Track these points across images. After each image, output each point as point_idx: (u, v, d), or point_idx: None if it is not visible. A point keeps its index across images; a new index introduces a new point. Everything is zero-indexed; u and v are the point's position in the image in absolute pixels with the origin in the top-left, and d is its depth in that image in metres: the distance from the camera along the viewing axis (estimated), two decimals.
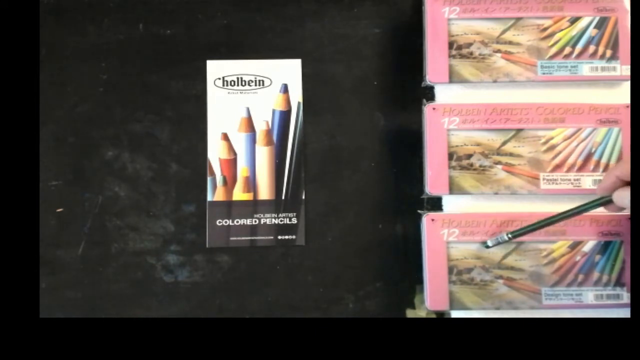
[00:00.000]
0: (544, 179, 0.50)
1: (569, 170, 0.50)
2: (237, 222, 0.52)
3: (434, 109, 0.50)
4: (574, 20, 0.52)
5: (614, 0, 0.51)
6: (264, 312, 0.51)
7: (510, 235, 0.47)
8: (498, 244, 0.48)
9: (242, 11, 0.54)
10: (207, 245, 0.52)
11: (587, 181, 0.50)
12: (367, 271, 0.51)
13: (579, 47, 0.51)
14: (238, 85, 0.53)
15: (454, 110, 0.50)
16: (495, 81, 0.51)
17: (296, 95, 0.54)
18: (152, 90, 0.53)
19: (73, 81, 0.53)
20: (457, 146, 0.50)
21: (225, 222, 0.52)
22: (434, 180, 0.50)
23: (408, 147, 0.52)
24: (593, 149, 0.50)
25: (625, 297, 0.49)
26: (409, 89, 0.53)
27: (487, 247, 0.49)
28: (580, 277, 0.49)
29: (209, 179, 0.53)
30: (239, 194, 0.53)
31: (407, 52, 0.53)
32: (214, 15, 0.54)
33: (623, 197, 0.41)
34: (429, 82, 0.51)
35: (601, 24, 0.51)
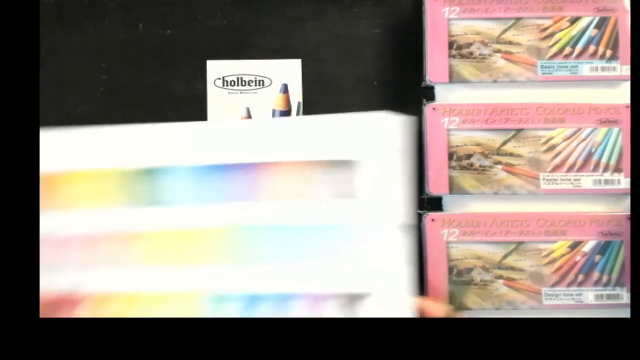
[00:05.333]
0: (544, 179, 0.50)
1: (569, 170, 0.50)
2: None
3: (434, 109, 0.50)
4: (574, 20, 0.52)
5: (614, 0, 0.51)
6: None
7: None
8: None
9: (242, 11, 0.54)
10: None
11: (587, 181, 0.50)
12: None
13: (579, 47, 0.51)
14: (238, 85, 0.53)
15: (454, 110, 0.50)
16: (495, 81, 0.51)
17: (296, 95, 0.54)
18: (152, 90, 0.53)
19: (73, 81, 0.52)
20: (457, 146, 0.50)
21: None
22: (434, 180, 0.50)
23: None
24: (593, 149, 0.50)
25: (625, 297, 0.49)
26: (409, 89, 0.53)
27: None
28: (580, 277, 0.49)
29: None
30: None
31: (407, 52, 0.53)
32: (214, 15, 0.54)
33: None
34: (429, 82, 0.51)
35: (601, 24, 0.51)
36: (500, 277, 0.49)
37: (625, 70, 0.51)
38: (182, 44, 0.53)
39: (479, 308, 0.49)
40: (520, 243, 0.50)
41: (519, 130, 0.50)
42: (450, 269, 0.49)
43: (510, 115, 0.50)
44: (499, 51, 0.51)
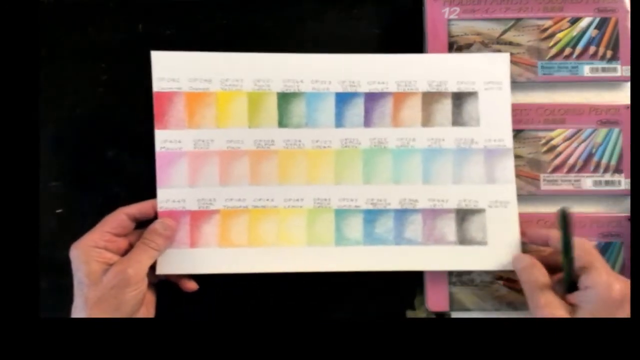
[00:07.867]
0: (544, 180, 0.50)
1: (569, 171, 0.50)
2: None
3: None
4: (575, 21, 0.52)
5: (615, 1, 0.51)
6: (263, 313, 0.51)
7: None
8: None
9: (242, 11, 0.54)
10: None
11: (588, 182, 0.50)
12: (367, 271, 0.51)
13: (579, 47, 0.51)
14: None
15: None
16: None
17: None
18: (152, 90, 0.53)
19: (73, 81, 0.52)
20: None
21: None
22: None
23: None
24: (593, 150, 0.50)
25: None
26: None
27: None
28: None
29: None
30: None
31: (407, 52, 0.53)
32: (214, 15, 0.54)
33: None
34: None
35: (601, 25, 0.51)
36: (500, 278, 0.49)
37: (625, 71, 0.51)
38: (182, 44, 0.53)
39: (478, 309, 0.49)
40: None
41: (519, 130, 0.50)
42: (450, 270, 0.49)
43: None
44: (499, 52, 0.51)
